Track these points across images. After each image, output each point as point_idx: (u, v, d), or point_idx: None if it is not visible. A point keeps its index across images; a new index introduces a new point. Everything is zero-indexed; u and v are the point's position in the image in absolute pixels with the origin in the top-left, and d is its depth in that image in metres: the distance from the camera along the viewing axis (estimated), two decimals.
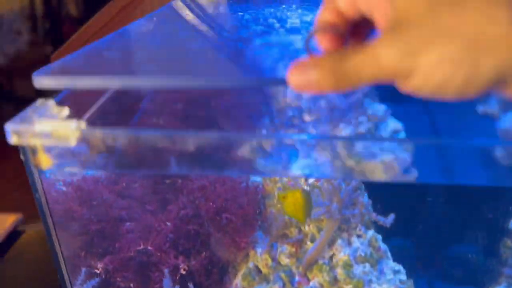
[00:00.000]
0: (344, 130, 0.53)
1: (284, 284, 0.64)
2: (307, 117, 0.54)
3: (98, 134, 0.37)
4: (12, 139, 0.37)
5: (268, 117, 0.55)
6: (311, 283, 0.64)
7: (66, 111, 0.39)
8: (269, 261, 0.65)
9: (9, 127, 0.37)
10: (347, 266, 0.64)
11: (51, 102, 0.39)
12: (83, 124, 0.37)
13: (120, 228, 0.63)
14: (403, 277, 0.66)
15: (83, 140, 0.37)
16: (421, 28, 0.26)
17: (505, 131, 0.47)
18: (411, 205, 0.71)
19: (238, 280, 0.65)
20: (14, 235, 0.96)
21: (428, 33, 0.26)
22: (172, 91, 0.51)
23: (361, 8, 0.29)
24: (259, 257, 0.65)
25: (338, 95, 0.54)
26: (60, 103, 0.40)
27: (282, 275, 0.64)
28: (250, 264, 0.66)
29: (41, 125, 0.37)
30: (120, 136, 0.37)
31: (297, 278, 0.64)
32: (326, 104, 0.54)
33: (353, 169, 0.39)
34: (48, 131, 0.37)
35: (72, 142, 0.37)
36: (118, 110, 0.48)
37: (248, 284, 0.65)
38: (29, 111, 0.38)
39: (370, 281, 0.64)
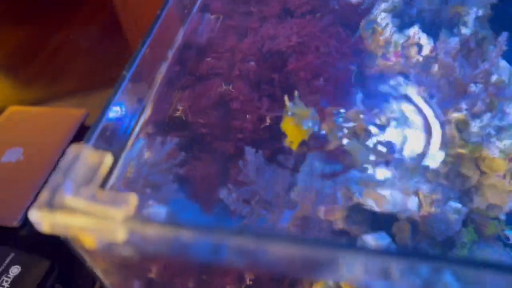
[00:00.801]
0: None
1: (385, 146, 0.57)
2: None
3: (154, 228, 0.26)
4: (44, 229, 0.27)
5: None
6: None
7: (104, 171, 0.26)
8: None
9: (33, 215, 0.27)
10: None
11: (84, 162, 0.26)
12: (132, 212, 0.26)
13: None
14: None
15: (133, 234, 0.27)
16: None
17: None
18: None
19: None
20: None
21: None
22: None
23: None
24: None
25: None
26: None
27: None
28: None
29: (76, 218, 0.26)
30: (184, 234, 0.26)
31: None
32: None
33: None
34: (87, 222, 0.26)
35: (120, 239, 0.27)
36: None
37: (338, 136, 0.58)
38: (54, 183, 0.26)
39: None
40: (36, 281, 0.73)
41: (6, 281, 0.72)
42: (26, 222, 0.85)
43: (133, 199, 0.27)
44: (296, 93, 0.44)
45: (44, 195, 0.27)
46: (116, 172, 0.32)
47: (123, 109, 0.34)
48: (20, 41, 1.97)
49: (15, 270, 0.73)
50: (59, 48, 1.91)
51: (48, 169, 0.91)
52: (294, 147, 0.47)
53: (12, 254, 0.74)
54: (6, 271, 0.73)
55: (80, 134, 0.99)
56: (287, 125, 0.45)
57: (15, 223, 0.83)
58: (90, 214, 0.26)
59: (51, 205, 0.26)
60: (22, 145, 0.95)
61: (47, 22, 2.04)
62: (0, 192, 0.90)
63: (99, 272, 0.34)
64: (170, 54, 0.43)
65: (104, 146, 0.30)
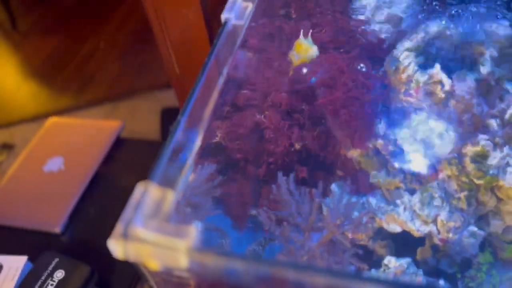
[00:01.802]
0: None
1: (404, 176, 0.61)
2: None
3: (211, 258, 0.31)
4: (119, 256, 0.33)
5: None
6: (438, 175, 0.60)
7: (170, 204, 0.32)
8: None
9: (111, 245, 0.32)
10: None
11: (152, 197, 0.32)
12: (192, 242, 0.31)
13: None
14: None
15: (194, 262, 0.32)
16: None
17: None
18: None
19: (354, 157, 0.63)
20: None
21: None
22: None
23: None
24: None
25: None
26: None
27: None
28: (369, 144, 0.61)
29: (146, 247, 0.31)
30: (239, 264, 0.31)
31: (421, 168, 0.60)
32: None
33: None
34: (155, 252, 0.32)
35: (182, 266, 0.32)
36: None
37: (365, 163, 0.63)
38: (127, 217, 0.32)
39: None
40: (78, 285, 0.79)
41: (52, 285, 0.78)
42: (67, 228, 0.92)
43: (193, 231, 0.32)
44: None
45: (119, 227, 0.32)
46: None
47: (179, 145, 0.39)
48: (51, 50, 2.06)
49: (59, 274, 0.80)
50: (90, 56, 1.99)
51: (87, 178, 0.98)
52: (295, 63, 0.53)
53: (57, 259, 0.81)
54: (51, 275, 0.79)
55: (116, 145, 1.06)
56: (298, 47, 0.52)
57: (57, 229, 0.90)
58: (157, 245, 0.31)
59: (124, 236, 0.32)
60: (63, 155, 1.02)
61: (77, 32, 2.12)
62: (43, 199, 0.97)
63: (155, 286, 0.39)
64: (217, 89, 0.48)
65: (166, 182, 0.35)
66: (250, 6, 0.48)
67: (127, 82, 1.84)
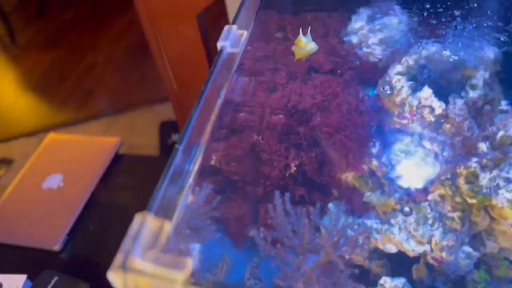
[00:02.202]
0: None
1: (399, 197, 0.62)
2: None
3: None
4: (118, 286, 0.33)
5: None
6: (431, 196, 0.61)
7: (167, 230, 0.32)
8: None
9: (110, 276, 0.33)
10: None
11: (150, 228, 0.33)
12: (189, 273, 0.32)
13: None
14: None
15: None
16: None
17: None
18: None
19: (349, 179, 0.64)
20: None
21: None
22: None
23: None
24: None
25: None
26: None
27: None
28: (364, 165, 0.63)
29: (144, 278, 0.32)
30: None
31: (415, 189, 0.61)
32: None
33: None
34: (153, 282, 0.33)
35: None
36: None
37: (359, 185, 0.64)
38: (125, 248, 0.33)
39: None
40: None
41: None
42: (66, 245, 0.93)
43: (189, 262, 0.33)
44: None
45: (118, 259, 0.33)
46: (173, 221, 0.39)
47: (178, 169, 0.40)
48: (50, 64, 2.07)
49: None
50: (89, 70, 2.01)
51: (86, 195, 0.98)
52: (297, 57, 0.56)
53: (56, 278, 0.81)
54: None
55: (115, 162, 1.07)
56: (298, 43, 0.55)
57: (56, 247, 0.91)
58: (155, 276, 0.32)
59: (123, 268, 0.33)
60: (62, 172, 1.03)
61: (76, 45, 2.14)
62: (42, 216, 0.97)
63: None
64: (215, 113, 0.49)
65: (163, 212, 0.36)
66: (245, 34, 0.49)
67: (127, 96, 1.86)
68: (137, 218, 0.35)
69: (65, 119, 1.86)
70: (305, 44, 0.55)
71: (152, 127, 1.71)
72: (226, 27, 0.49)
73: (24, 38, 2.27)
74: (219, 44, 0.48)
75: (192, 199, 0.54)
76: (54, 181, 1.03)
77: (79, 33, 2.25)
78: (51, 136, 1.16)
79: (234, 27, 0.49)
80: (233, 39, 0.48)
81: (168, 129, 1.67)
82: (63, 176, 1.03)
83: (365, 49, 0.59)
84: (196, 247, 0.54)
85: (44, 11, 2.37)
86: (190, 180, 0.45)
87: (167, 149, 1.56)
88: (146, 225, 0.35)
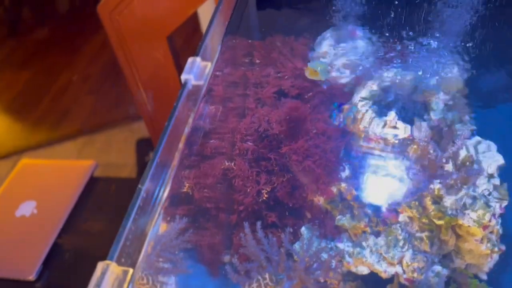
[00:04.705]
0: None
1: (369, 218, 0.63)
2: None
3: None
4: None
5: None
6: (400, 218, 0.62)
7: None
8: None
9: None
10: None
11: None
12: None
13: None
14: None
15: None
16: None
17: None
18: None
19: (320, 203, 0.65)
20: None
21: None
22: None
23: None
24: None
25: None
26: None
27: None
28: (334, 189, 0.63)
29: None
30: None
31: (384, 211, 0.62)
32: None
33: None
34: None
35: None
36: None
37: (331, 208, 0.64)
38: None
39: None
40: None
41: None
42: (41, 275, 0.91)
43: None
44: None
45: None
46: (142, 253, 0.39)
47: (147, 199, 0.40)
48: (23, 85, 2.04)
49: None
50: (63, 90, 1.98)
51: (61, 221, 0.96)
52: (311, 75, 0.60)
53: None
54: None
55: (89, 185, 1.05)
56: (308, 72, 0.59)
57: (31, 277, 0.89)
58: None
59: None
60: (35, 199, 1.01)
61: (50, 65, 2.11)
62: (16, 245, 0.95)
63: None
64: (182, 141, 0.49)
65: (126, 259, 0.36)
66: (209, 66, 0.49)
67: (102, 115, 1.84)
68: (99, 267, 0.35)
69: (40, 140, 1.83)
70: (314, 71, 0.57)
71: (129, 146, 1.69)
72: (189, 60, 0.49)
73: None
74: (183, 77, 0.48)
75: (163, 230, 0.54)
76: (27, 209, 1.01)
77: (52, 52, 2.22)
78: (24, 161, 1.14)
79: (198, 59, 0.49)
80: (196, 72, 0.48)
81: (145, 146, 1.65)
82: (36, 203, 1.01)
83: (332, 73, 0.60)
84: (171, 281, 0.53)
85: (16, 30, 2.33)
86: (159, 211, 0.45)
87: (144, 168, 1.54)
88: (108, 273, 0.34)
